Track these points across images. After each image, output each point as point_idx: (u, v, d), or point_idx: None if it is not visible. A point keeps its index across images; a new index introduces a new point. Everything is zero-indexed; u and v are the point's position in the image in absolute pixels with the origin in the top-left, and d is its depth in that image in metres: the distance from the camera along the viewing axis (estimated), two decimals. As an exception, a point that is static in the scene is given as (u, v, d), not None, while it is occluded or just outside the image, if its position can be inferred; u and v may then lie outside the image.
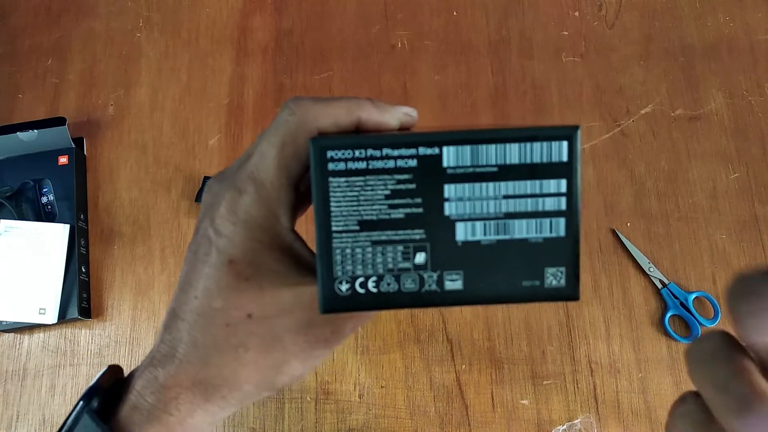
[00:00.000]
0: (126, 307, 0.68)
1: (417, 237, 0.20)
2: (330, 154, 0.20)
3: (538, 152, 0.20)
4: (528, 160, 0.20)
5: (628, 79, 0.73)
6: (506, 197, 0.20)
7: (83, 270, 0.68)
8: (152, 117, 0.75)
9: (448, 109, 0.73)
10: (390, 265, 0.21)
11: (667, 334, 0.63)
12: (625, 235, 0.66)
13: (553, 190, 0.20)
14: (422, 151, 0.20)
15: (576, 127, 0.20)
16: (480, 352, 0.64)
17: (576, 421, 0.61)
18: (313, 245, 0.23)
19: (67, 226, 0.68)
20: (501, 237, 0.20)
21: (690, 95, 0.71)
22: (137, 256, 0.70)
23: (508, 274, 0.20)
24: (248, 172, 0.23)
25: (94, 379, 0.26)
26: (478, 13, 0.77)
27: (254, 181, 0.23)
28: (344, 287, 0.21)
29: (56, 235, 0.67)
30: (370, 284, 0.21)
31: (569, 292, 0.20)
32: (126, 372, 0.28)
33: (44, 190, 0.70)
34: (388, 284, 0.21)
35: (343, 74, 0.75)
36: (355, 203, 0.20)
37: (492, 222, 0.20)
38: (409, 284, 0.21)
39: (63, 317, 0.65)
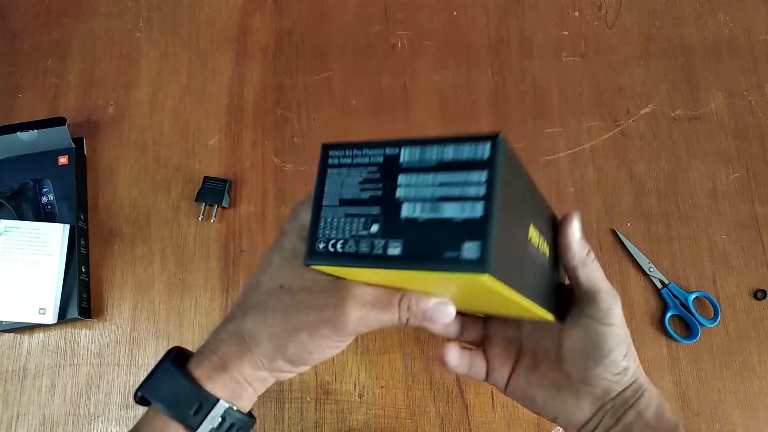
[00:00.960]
0: (126, 307, 0.68)
1: (374, 212, 0.26)
2: (331, 152, 0.28)
3: (467, 151, 0.25)
4: (460, 157, 0.25)
5: (628, 79, 0.73)
6: (441, 185, 0.25)
7: (83, 270, 0.68)
8: (152, 117, 0.75)
9: (448, 109, 0.73)
10: (354, 232, 0.27)
11: (667, 334, 0.63)
12: (625, 235, 0.66)
13: (476, 180, 0.24)
14: (388, 150, 0.27)
15: (498, 133, 0.25)
16: (480, 352, 0.64)
17: (576, 421, 0.61)
18: None
19: (67, 226, 0.68)
20: (433, 215, 0.25)
21: (690, 95, 0.71)
22: (137, 256, 0.70)
23: (435, 246, 0.25)
24: (310, 193, 0.31)
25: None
26: (478, 13, 0.77)
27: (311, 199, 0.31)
28: (321, 246, 0.27)
29: (56, 235, 0.67)
30: (338, 245, 0.27)
31: (481, 265, 0.23)
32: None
33: (44, 190, 0.70)
34: (350, 246, 0.27)
35: (343, 74, 0.75)
36: (340, 187, 0.28)
37: (428, 203, 0.25)
38: (364, 248, 0.26)
39: (63, 317, 0.65)
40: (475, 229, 0.24)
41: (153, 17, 0.80)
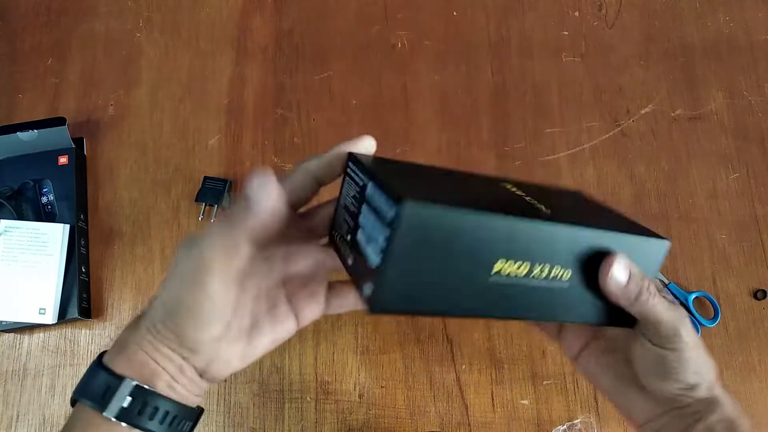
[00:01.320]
0: (126, 307, 0.68)
1: (351, 224, 0.31)
2: (348, 164, 0.32)
3: (386, 206, 0.27)
4: (382, 209, 0.27)
5: (628, 79, 0.73)
6: (372, 226, 0.28)
7: (83, 270, 0.68)
8: (152, 117, 0.75)
9: (448, 109, 0.73)
10: (342, 233, 0.32)
11: (667, 334, 0.63)
12: (625, 235, 0.66)
13: (383, 234, 0.26)
14: (366, 180, 0.30)
15: (403, 198, 0.25)
16: (480, 352, 0.64)
17: (576, 421, 0.61)
18: None
19: (67, 226, 0.68)
20: (365, 248, 0.28)
21: (690, 95, 0.71)
22: (137, 256, 0.70)
23: (359, 272, 0.28)
24: None
25: None
26: (478, 13, 0.77)
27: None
28: (332, 233, 0.34)
29: (56, 235, 0.67)
30: (336, 237, 0.33)
31: (371, 305, 0.26)
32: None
33: (44, 190, 0.70)
34: (340, 241, 0.32)
35: (343, 74, 0.75)
36: (346, 194, 0.32)
37: (365, 237, 0.28)
38: (344, 248, 0.31)
39: (63, 317, 0.65)
40: (374, 274, 0.26)
41: (153, 17, 0.80)
